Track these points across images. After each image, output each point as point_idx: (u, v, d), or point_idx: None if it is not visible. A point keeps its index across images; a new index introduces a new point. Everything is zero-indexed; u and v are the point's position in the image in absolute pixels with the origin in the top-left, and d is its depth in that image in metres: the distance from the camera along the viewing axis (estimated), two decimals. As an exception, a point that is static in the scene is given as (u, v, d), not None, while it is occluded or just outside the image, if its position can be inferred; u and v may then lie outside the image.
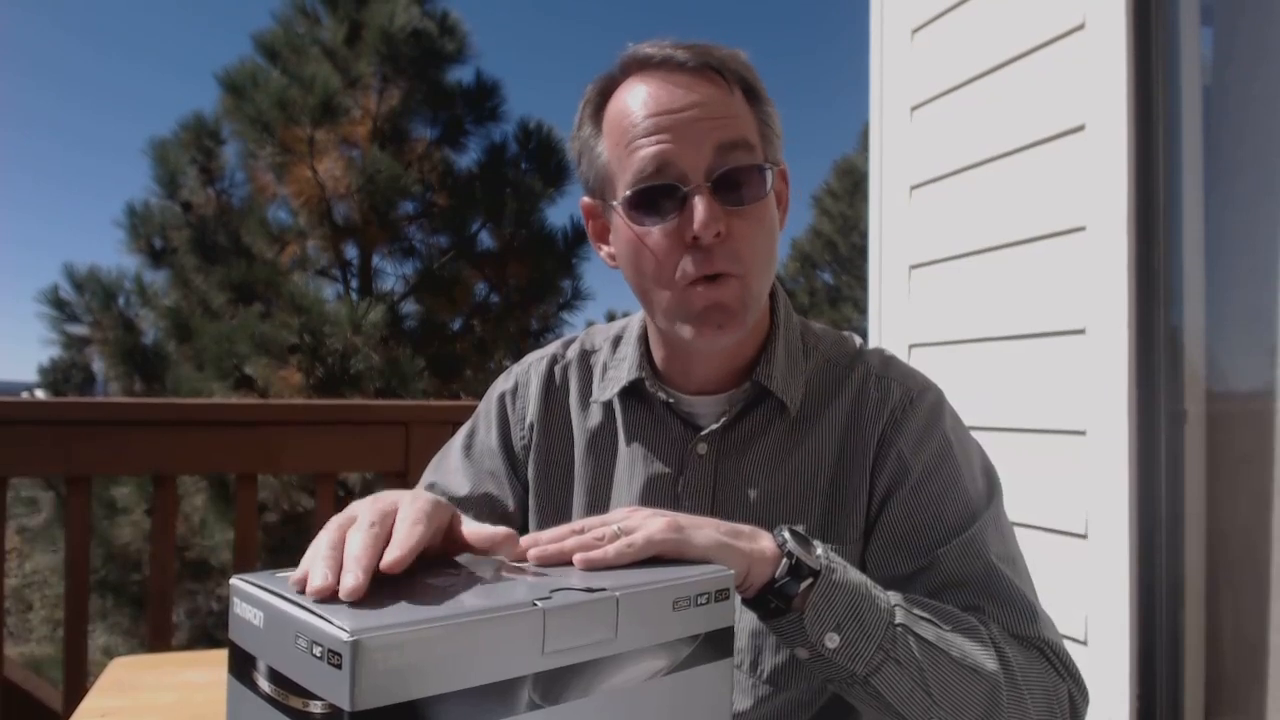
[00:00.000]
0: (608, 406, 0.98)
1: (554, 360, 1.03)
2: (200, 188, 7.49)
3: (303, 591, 0.50)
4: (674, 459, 0.93)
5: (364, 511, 0.58)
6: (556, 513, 0.98)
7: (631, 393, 0.96)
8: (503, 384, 1.05)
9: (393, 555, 0.53)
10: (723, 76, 0.85)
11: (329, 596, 0.49)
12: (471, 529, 0.62)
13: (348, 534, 0.56)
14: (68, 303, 7.24)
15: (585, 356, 1.03)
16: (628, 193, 0.84)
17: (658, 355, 0.96)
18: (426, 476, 1.04)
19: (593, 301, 8.44)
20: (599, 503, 0.96)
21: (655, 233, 0.84)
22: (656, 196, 0.83)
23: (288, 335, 6.54)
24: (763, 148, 0.87)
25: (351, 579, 0.50)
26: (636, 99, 0.85)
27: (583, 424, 0.99)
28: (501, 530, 0.61)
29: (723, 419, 0.91)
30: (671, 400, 0.93)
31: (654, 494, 0.92)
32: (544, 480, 0.99)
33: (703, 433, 0.91)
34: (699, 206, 0.81)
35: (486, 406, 1.05)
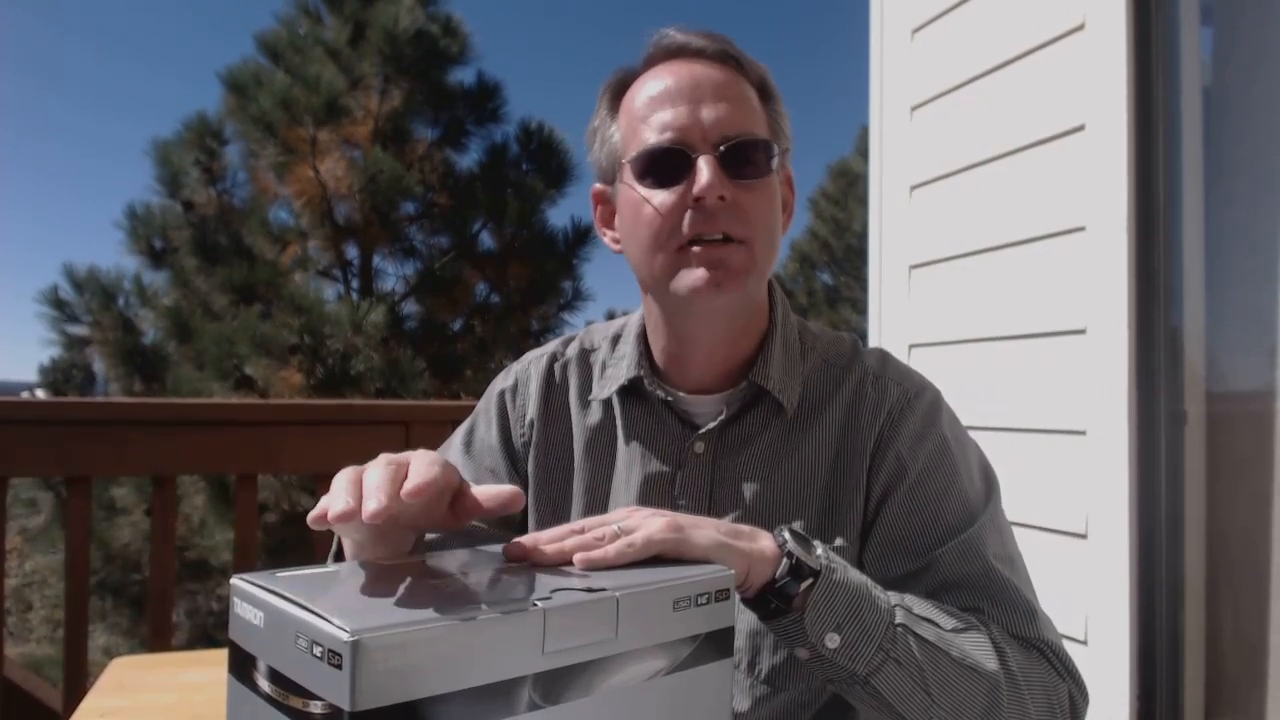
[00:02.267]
0: (607, 404, 0.98)
1: (554, 358, 1.03)
2: (202, 187, 7.49)
3: (323, 523, 0.52)
4: (672, 457, 0.93)
5: (378, 458, 0.62)
6: (555, 510, 0.98)
7: (630, 391, 0.96)
8: (502, 381, 1.05)
9: (413, 483, 0.56)
10: (741, 65, 0.88)
11: (351, 518, 0.52)
12: (480, 490, 0.65)
13: (364, 473, 0.59)
14: (67, 303, 7.24)
15: (585, 355, 1.03)
16: (635, 154, 0.86)
17: (657, 350, 0.96)
18: None
19: (593, 302, 8.45)
20: (597, 500, 0.96)
21: (659, 195, 0.85)
22: (664, 161, 0.85)
23: (288, 335, 6.54)
24: (769, 137, 0.89)
25: (374, 503, 0.53)
26: (654, 81, 0.88)
27: (582, 422, 0.99)
28: (507, 489, 0.65)
29: (720, 418, 0.91)
30: (670, 399, 0.94)
31: (652, 492, 0.92)
32: (543, 478, 0.99)
33: (700, 431, 0.92)
34: (704, 169, 0.83)
35: (486, 404, 1.05)
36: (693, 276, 0.85)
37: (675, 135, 0.84)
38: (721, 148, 0.84)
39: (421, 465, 0.60)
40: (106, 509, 6.42)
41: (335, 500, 0.55)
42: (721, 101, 0.85)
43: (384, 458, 0.62)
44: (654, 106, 0.86)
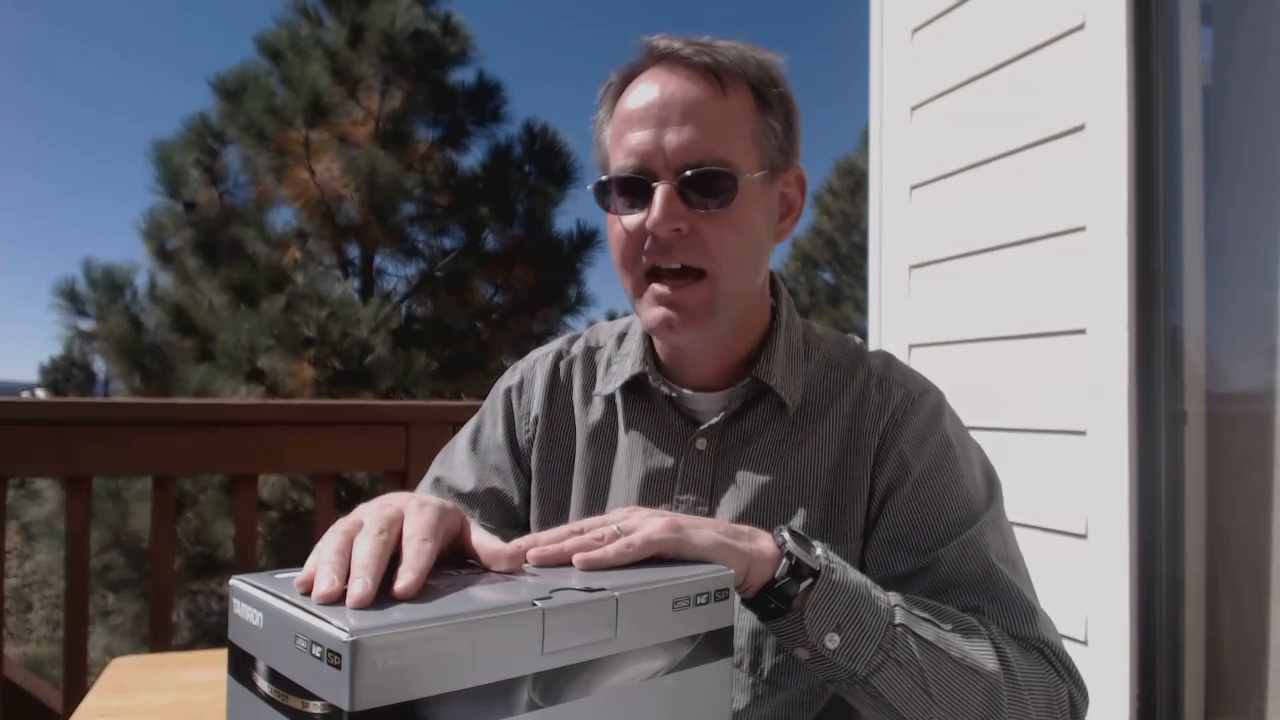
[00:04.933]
0: (610, 400, 0.98)
1: (559, 356, 1.04)
2: (203, 188, 7.49)
3: (307, 594, 0.50)
4: (674, 453, 0.93)
5: (371, 517, 0.58)
6: (557, 505, 0.98)
7: (634, 387, 0.97)
8: (508, 379, 1.06)
9: (406, 580, 0.51)
10: (720, 79, 0.85)
11: (335, 601, 0.49)
12: (479, 542, 0.61)
13: (355, 540, 0.55)
14: (80, 296, 7.23)
15: (590, 352, 1.03)
16: (603, 178, 0.87)
17: (659, 349, 0.96)
18: (433, 471, 1.05)
19: (594, 306, 8.43)
20: (598, 495, 0.96)
21: (625, 219, 0.86)
22: (627, 186, 0.85)
23: (305, 329, 6.53)
24: (755, 154, 0.86)
25: (360, 587, 0.50)
26: (634, 93, 0.87)
27: (585, 418, 0.99)
28: (508, 549, 0.60)
29: (722, 415, 0.91)
30: (673, 395, 0.94)
31: (653, 487, 0.93)
32: (545, 472, 1.00)
33: (701, 428, 0.92)
34: (658, 200, 0.82)
35: (492, 402, 1.06)
36: (652, 313, 0.86)
37: (638, 162, 0.84)
38: (684, 174, 0.83)
39: (415, 542, 0.55)
40: (114, 498, 6.39)
41: (321, 577, 0.51)
42: (689, 124, 0.83)
43: (376, 520, 0.57)
44: (627, 125, 0.85)
